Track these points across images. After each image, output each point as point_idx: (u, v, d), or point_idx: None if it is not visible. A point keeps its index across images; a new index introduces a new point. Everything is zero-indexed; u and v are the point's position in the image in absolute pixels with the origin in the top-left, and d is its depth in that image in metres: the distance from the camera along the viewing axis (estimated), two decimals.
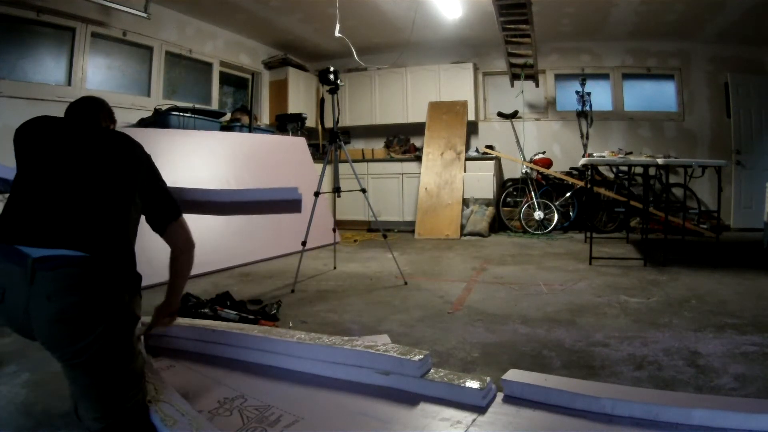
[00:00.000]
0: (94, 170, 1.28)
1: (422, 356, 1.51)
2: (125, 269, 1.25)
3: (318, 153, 6.55)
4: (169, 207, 1.48)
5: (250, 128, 5.27)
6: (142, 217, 1.46)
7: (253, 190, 2.05)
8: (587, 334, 2.31)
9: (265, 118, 6.69)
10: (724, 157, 5.30)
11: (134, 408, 1.21)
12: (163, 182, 1.49)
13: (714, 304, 2.78)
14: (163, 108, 4.34)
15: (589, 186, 5.09)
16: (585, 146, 6.03)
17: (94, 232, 1.19)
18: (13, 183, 1.29)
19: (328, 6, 4.94)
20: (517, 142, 6.39)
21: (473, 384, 1.43)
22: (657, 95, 6.43)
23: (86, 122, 1.46)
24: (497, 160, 6.35)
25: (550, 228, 5.87)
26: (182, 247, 1.51)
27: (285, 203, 2.01)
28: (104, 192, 1.26)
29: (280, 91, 6.69)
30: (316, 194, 3.58)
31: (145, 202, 1.42)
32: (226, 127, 5.08)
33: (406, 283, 3.44)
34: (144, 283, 1.36)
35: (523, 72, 6.14)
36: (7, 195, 1.41)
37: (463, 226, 5.84)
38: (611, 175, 6.08)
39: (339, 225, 5.00)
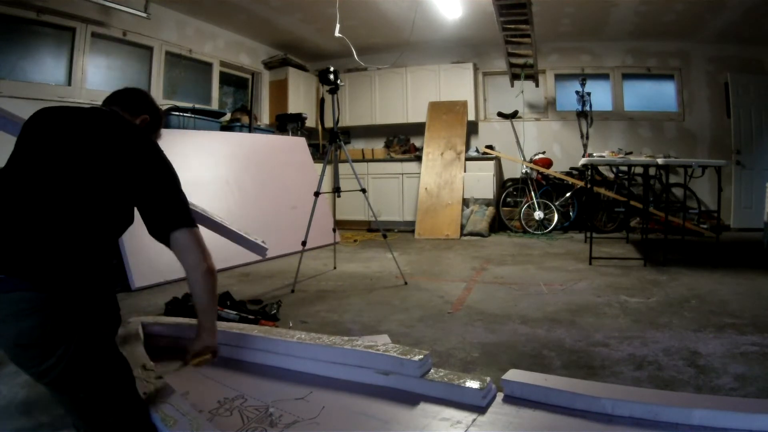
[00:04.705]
0: (70, 177, 1.18)
1: (422, 356, 1.51)
2: (90, 288, 1.18)
3: (318, 153, 6.56)
4: (172, 213, 1.27)
5: (250, 128, 5.28)
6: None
7: (234, 232, 2.23)
8: (587, 334, 2.31)
9: (265, 118, 6.69)
10: (724, 157, 5.30)
11: (118, 420, 1.18)
12: (168, 183, 1.30)
13: (714, 304, 2.78)
14: (163, 108, 4.33)
15: (589, 186, 5.09)
16: (585, 146, 6.03)
17: (55, 252, 1.12)
18: None
19: (328, 6, 4.93)
20: (517, 142, 6.39)
21: (473, 384, 1.43)
22: (657, 95, 6.43)
23: (94, 115, 1.32)
24: (497, 160, 6.35)
25: (550, 228, 5.87)
26: (191, 263, 1.27)
27: (253, 246, 2.41)
28: (74, 204, 1.17)
29: (280, 91, 6.69)
30: (316, 194, 3.58)
31: (141, 205, 1.27)
32: (226, 127, 5.08)
33: (406, 283, 3.44)
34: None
35: (523, 72, 6.14)
36: None
37: (463, 226, 5.84)
38: (611, 175, 6.08)
39: (339, 225, 5.00)
